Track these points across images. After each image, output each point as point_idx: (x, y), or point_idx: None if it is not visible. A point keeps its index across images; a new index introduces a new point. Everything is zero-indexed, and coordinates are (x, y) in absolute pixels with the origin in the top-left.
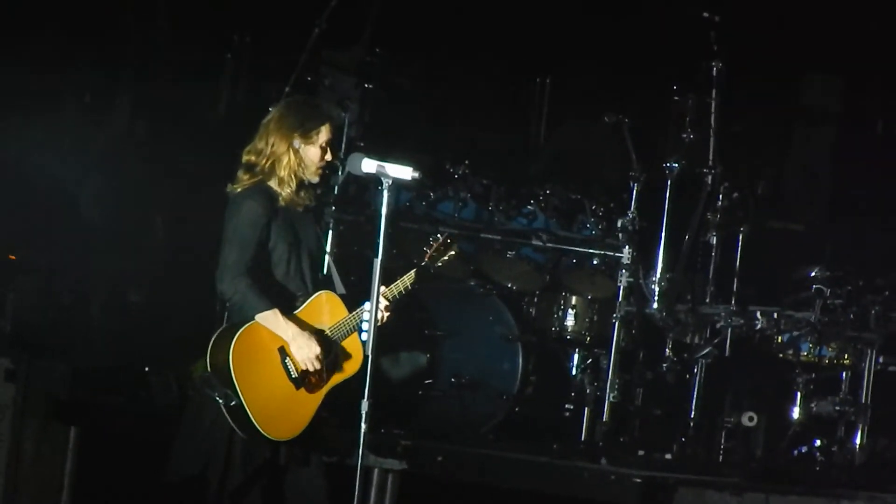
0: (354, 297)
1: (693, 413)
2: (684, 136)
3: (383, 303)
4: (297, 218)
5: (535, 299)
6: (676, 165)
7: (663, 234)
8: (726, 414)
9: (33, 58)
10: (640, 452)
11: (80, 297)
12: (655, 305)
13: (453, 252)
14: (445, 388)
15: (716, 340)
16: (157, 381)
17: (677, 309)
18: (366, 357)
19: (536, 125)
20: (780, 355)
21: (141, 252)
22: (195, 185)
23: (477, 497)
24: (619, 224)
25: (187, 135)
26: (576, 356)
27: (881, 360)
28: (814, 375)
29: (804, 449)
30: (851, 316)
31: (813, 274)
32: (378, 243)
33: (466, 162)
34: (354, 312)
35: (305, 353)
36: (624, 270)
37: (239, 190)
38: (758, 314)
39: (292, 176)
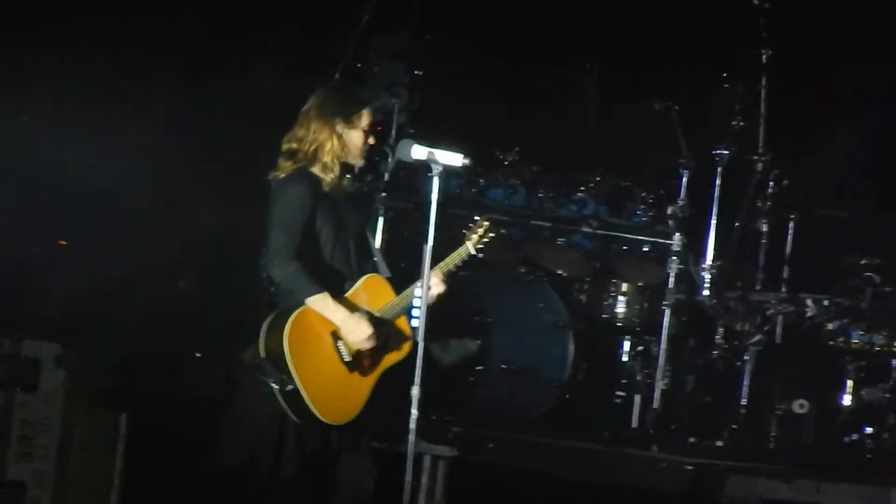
0: (404, 283)
1: (743, 400)
2: (734, 123)
3: (439, 276)
4: (341, 203)
5: (586, 286)
6: (726, 153)
7: (713, 221)
8: (776, 401)
9: (74, 45)
10: (691, 440)
11: (128, 284)
12: (706, 292)
13: (493, 234)
14: (496, 375)
15: (766, 328)
16: (207, 368)
17: (727, 296)
18: (416, 343)
19: (586, 112)
20: (831, 342)
21: (189, 239)
22: (244, 172)
23: (527, 484)
24: (669, 211)
25: (236, 122)
26: (626, 343)
27: None
28: (864, 363)
29: (854, 436)
30: None
31: (863, 261)
32: (428, 230)
33: (516, 149)
34: (403, 294)
35: (357, 335)
36: (674, 257)
37: (282, 176)
38: (808, 301)
39: (335, 161)
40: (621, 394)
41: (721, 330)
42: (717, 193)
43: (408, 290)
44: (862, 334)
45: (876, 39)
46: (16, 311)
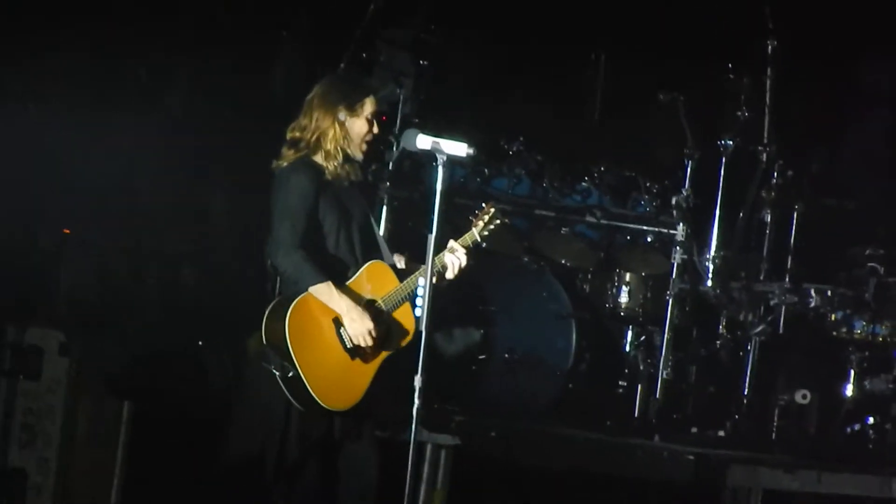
0: (407, 273)
1: (746, 390)
2: (739, 114)
3: (460, 251)
4: (344, 191)
5: (589, 276)
6: (731, 143)
7: (717, 212)
8: (779, 392)
9: (81, 32)
10: (693, 430)
11: (134, 274)
12: (709, 283)
13: (499, 221)
14: (499, 365)
15: (769, 318)
16: (212, 357)
17: (731, 286)
18: (419, 332)
19: (591, 102)
20: (834, 333)
21: (195, 230)
22: (252, 163)
23: (529, 473)
24: (673, 201)
25: (243, 113)
26: (629, 333)
27: None
28: (867, 353)
29: (857, 427)
30: None
31: (867, 252)
32: (433, 219)
33: (521, 139)
34: (406, 281)
35: (358, 327)
36: (678, 248)
37: (285, 165)
38: (812, 292)
39: (338, 149)
40: (624, 384)
41: (724, 320)
42: (721, 184)
43: (412, 278)
44: (865, 325)
45: (882, 30)
46: (21, 299)
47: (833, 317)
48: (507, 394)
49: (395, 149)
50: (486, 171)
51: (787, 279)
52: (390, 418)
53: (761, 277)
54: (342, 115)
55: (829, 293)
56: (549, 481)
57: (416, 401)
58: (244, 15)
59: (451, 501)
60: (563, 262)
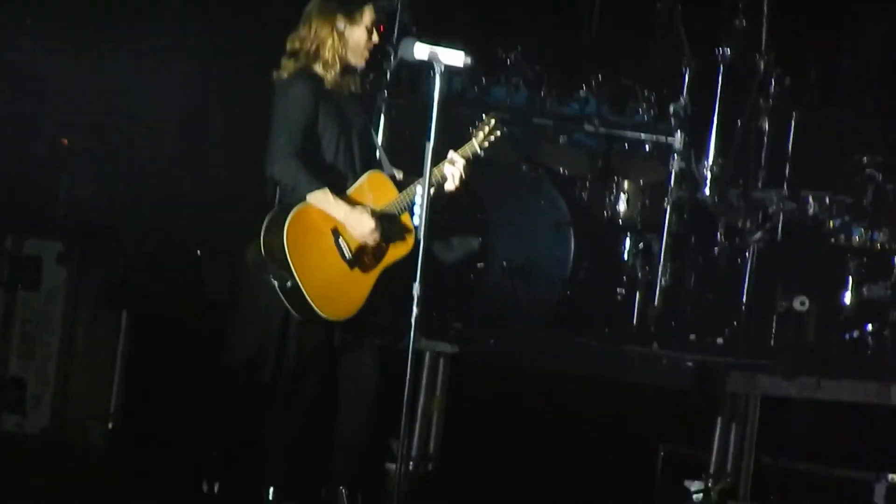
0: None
1: (745, 297)
2: (737, 22)
3: (459, 162)
4: (344, 102)
5: (588, 184)
6: (729, 51)
7: (715, 120)
8: (778, 298)
9: None
10: (692, 336)
11: (133, 183)
12: (707, 191)
13: (500, 132)
14: (497, 273)
15: (767, 225)
16: (210, 265)
17: (729, 194)
18: (418, 241)
19: (589, 11)
20: (832, 240)
21: (193, 139)
22: (248, 73)
23: (528, 380)
24: (671, 110)
25: (242, 28)
26: (628, 241)
27: None
28: (866, 260)
29: (856, 334)
30: None
31: (865, 159)
32: (430, 128)
33: (519, 48)
34: (405, 191)
35: (359, 229)
36: (676, 155)
37: (285, 76)
38: (810, 199)
39: (336, 58)
40: (622, 291)
41: (722, 227)
42: (719, 92)
43: (410, 188)
44: (863, 232)
45: None
46: (19, 209)
47: (831, 224)
48: (505, 302)
49: (392, 58)
50: (483, 80)
51: (784, 187)
52: (389, 326)
53: (759, 185)
54: (341, 24)
55: (826, 200)
56: (547, 388)
57: (415, 309)
58: None
59: (450, 408)
60: (561, 170)
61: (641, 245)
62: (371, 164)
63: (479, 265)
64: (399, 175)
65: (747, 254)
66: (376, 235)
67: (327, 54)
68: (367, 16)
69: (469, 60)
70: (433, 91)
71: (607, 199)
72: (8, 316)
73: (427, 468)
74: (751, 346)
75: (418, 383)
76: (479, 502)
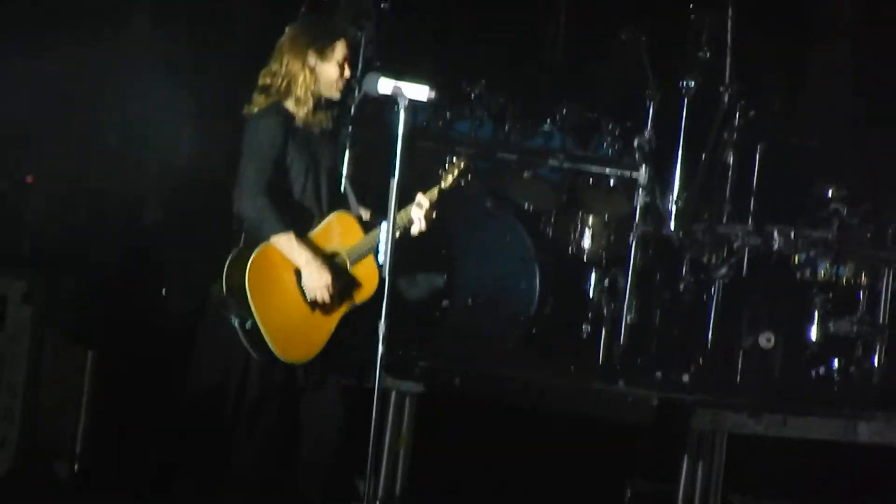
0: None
1: (710, 334)
2: (700, 53)
3: (426, 205)
4: (314, 139)
5: (553, 219)
6: (693, 84)
7: (680, 153)
8: (744, 334)
9: None
10: (658, 374)
11: (98, 218)
12: (672, 225)
13: (470, 176)
14: (463, 309)
15: (733, 260)
16: (174, 302)
17: (694, 228)
18: (382, 279)
19: (553, 43)
20: (798, 275)
21: (160, 173)
22: (214, 106)
23: (495, 418)
24: (635, 143)
25: (205, 56)
26: (593, 276)
27: None
28: (831, 295)
29: (822, 369)
30: (869, 235)
31: (830, 192)
32: (395, 163)
33: (483, 81)
34: (371, 233)
35: (315, 281)
36: (640, 190)
37: (255, 111)
38: (775, 233)
39: (308, 95)
40: (588, 327)
41: (688, 263)
42: (683, 125)
43: (376, 230)
44: (829, 266)
45: None
46: None
47: (796, 258)
48: (470, 338)
49: (356, 93)
50: (448, 113)
51: (749, 221)
52: (354, 365)
53: (724, 219)
54: (312, 60)
55: (792, 235)
56: (514, 426)
57: (380, 347)
58: None
59: (416, 446)
60: (525, 205)
61: (607, 280)
62: (338, 202)
63: (444, 302)
64: (366, 215)
65: (713, 289)
66: (330, 291)
67: (299, 91)
68: (339, 51)
69: (433, 94)
70: (397, 125)
71: (572, 234)
72: None
73: None
74: (717, 383)
75: (384, 422)
76: None
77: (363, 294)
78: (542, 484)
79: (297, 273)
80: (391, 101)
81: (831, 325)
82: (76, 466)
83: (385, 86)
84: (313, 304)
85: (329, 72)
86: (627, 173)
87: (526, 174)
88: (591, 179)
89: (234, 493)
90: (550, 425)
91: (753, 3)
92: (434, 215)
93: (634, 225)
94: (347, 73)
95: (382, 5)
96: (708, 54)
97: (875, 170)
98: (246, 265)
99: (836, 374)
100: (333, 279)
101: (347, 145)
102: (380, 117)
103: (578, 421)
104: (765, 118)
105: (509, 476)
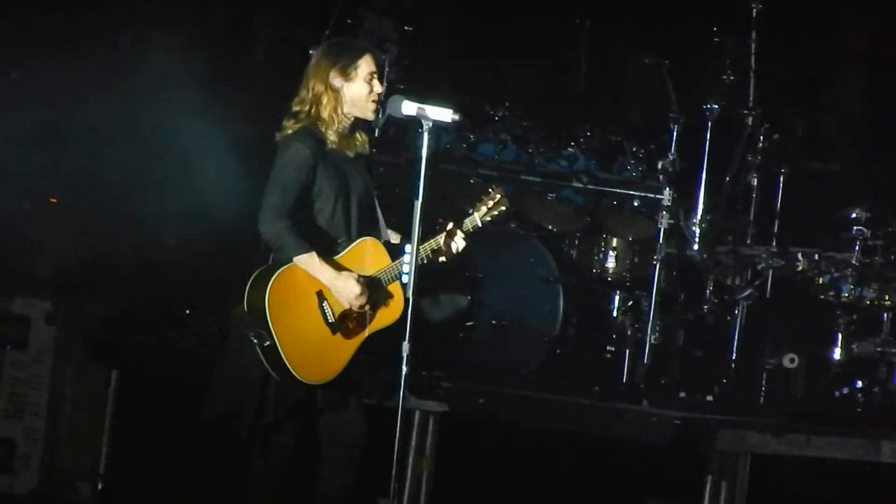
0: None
1: (734, 355)
2: (724, 77)
3: (459, 237)
4: (347, 163)
5: (576, 241)
6: (716, 107)
7: (703, 176)
8: (767, 355)
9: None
10: (681, 394)
11: (119, 240)
12: (696, 247)
13: (504, 208)
14: (486, 331)
15: (756, 282)
16: (198, 322)
17: (718, 251)
18: (406, 300)
19: (577, 67)
20: (821, 297)
21: (180, 195)
22: (235, 128)
23: (518, 439)
24: (659, 166)
25: (226, 80)
26: (616, 298)
27: None
28: (855, 317)
29: (845, 390)
30: (892, 256)
31: (853, 215)
32: (419, 186)
33: (507, 104)
34: (398, 261)
35: (345, 293)
36: (664, 212)
37: (285, 135)
38: (798, 255)
39: (334, 117)
40: (612, 348)
41: (711, 284)
42: (707, 148)
43: (400, 259)
44: (852, 288)
45: None
46: (6, 268)
47: (820, 280)
48: (494, 360)
49: (380, 115)
50: (471, 136)
51: (773, 243)
52: (377, 386)
53: (748, 241)
54: (337, 81)
55: (815, 257)
56: (537, 447)
57: (404, 367)
58: None
59: (440, 467)
60: (549, 227)
61: (630, 302)
62: (367, 228)
63: (468, 323)
64: (396, 239)
65: (736, 311)
66: (362, 300)
67: (324, 113)
68: (364, 67)
69: (457, 116)
70: (421, 148)
71: (596, 256)
72: None
73: None
74: (740, 404)
75: (407, 442)
76: None
77: (386, 319)
78: None
79: (319, 295)
80: (415, 123)
81: (854, 347)
82: (99, 485)
83: (409, 108)
84: (333, 327)
85: (356, 90)
86: (651, 196)
87: (549, 197)
88: (614, 202)
89: None
90: (574, 446)
91: (776, 26)
92: (465, 246)
93: (658, 247)
94: (378, 87)
95: (405, 28)
96: (731, 78)
97: None
98: (267, 284)
99: (859, 395)
100: (364, 291)
101: (370, 168)
102: (403, 140)
103: (602, 441)
104: (788, 142)
105: (532, 496)
